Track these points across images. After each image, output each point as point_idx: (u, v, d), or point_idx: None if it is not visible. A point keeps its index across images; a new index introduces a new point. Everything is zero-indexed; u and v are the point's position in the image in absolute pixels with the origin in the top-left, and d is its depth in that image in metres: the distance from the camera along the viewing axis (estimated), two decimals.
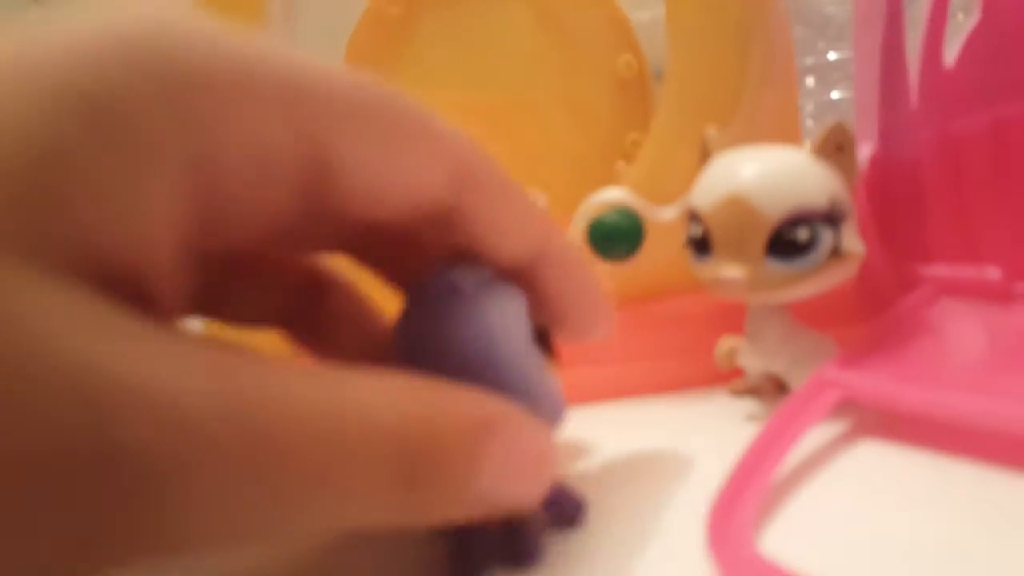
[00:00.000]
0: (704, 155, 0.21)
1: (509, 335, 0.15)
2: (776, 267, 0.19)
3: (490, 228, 0.15)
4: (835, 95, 0.38)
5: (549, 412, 0.16)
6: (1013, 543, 0.14)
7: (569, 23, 0.33)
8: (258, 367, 0.11)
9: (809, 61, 0.38)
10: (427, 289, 0.15)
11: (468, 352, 0.14)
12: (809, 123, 0.37)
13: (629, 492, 0.18)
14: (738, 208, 0.19)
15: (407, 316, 0.15)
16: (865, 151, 0.22)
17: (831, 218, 0.18)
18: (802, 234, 0.18)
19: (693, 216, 0.20)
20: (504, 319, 0.15)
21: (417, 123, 0.13)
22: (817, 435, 0.18)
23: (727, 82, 0.24)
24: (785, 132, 0.24)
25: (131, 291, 0.10)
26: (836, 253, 0.19)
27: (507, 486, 0.13)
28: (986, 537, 0.14)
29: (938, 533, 0.14)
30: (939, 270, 0.21)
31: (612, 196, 0.25)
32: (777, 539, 0.15)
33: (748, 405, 0.22)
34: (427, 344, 0.14)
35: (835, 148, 0.19)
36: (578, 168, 0.34)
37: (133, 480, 0.09)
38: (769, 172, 0.19)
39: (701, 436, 0.21)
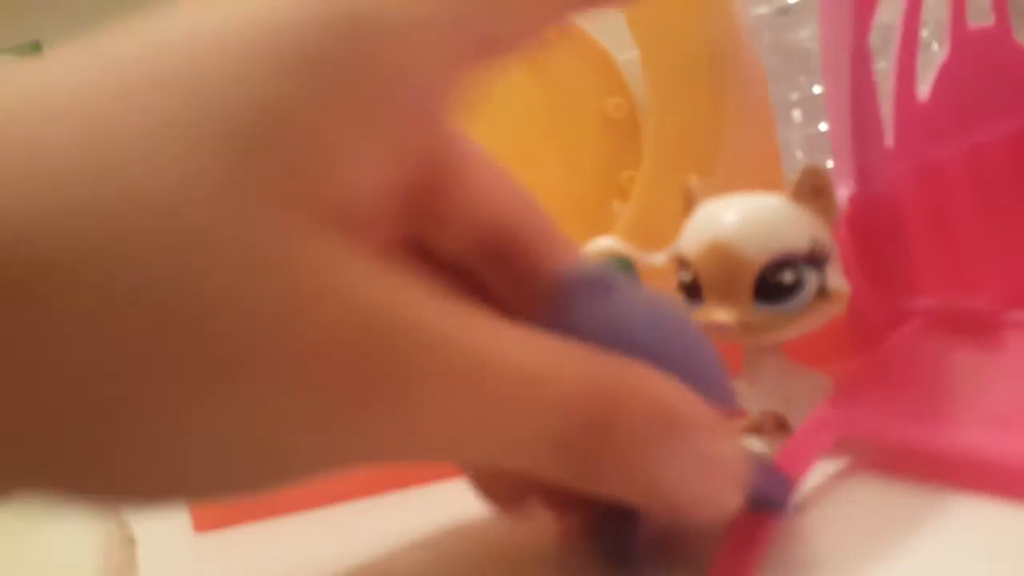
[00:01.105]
0: (688, 203, 0.22)
1: (670, 318, 0.16)
2: (765, 310, 0.19)
3: None
4: (823, 127, 0.38)
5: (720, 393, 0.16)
6: None
7: (557, 72, 0.34)
8: (474, 314, 0.13)
9: (794, 96, 0.39)
10: (574, 285, 0.16)
11: (635, 337, 0.15)
12: (799, 155, 0.38)
13: None
14: (723, 254, 0.19)
15: (556, 310, 0.15)
16: (843, 191, 0.22)
17: (814, 260, 0.19)
18: (787, 276, 0.19)
19: (682, 262, 0.21)
20: (662, 306, 0.16)
21: None
22: (816, 472, 0.19)
23: (706, 125, 0.25)
24: (767, 175, 0.25)
25: (358, 231, 0.12)
26: (823, 294, 0.19)
27: (683, 486, 0.14)
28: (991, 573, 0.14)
29: (945, 570, 0.15)
30: (927, 302, 0.21)
31: (604, 245, 0.25)
32: None
33: (752, 445, 0.23)
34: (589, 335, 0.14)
35: (812, 191, 0.19)
36: (575, 211, 0.35)
37: (402, 378, 0.11)
38: (750, 218, 0.19)
39: None
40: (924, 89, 0.25)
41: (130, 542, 0.19)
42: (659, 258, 0.25)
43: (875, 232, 0.22)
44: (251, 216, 0.10)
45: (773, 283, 0.19)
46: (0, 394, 0.10)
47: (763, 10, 0.37)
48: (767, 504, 0.16)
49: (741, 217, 0.19)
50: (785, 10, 0.37)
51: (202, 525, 0.26)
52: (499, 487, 0.18)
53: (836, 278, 0.19)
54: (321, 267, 0.11)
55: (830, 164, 0.24)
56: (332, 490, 0.25)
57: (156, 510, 0.12)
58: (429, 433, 0.12)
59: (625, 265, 0.26)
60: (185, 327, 0.10)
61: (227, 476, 0.11)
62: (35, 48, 0.49)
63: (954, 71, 0.25)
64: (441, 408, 0.12)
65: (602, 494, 0.14)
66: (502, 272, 0.17)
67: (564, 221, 0.35)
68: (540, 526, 0.19)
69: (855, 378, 0.20)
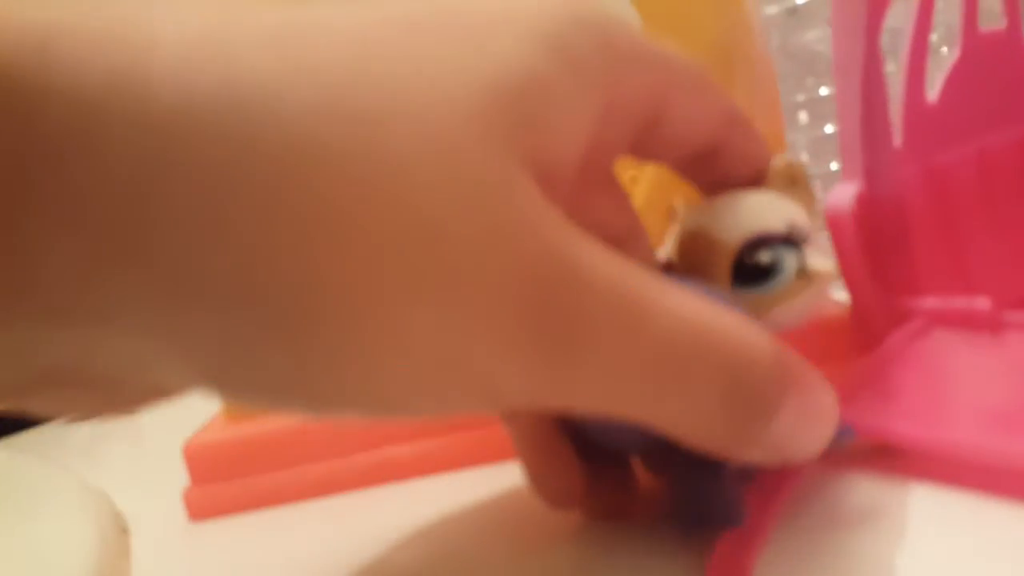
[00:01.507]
0: (672, 222, 0.21)
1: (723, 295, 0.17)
2: (746, 294, 0.19)
3: (743, 158, 0.19)
4: (828, 129, 0.38)
5: None
6: None
7: None
8: (646, 274, 0.14)
9: (800, 97, 0.39)
10: None
11: None
12: (804, 157, 0.38)
13: (630, 527, 0.18)
14: (699, 242, 0.19)
15: None
16: (851, 190, 0.22)
17: (790, 240, 0.19)
18: (764, 257, 0.18)
19: (667, 267, 0.20)
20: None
21: (708, 82, 0.17)
22: (816, 472, 0.19)
23: None
24: None
25: (550, 194, 0.13)
26: (803, 273, 0.19)
27: (795, 436, 0.15)
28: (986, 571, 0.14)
29: (944, 570, 0.14)
30: (930, 302, 0.21)
31: None
32: None
33: None
34: None
35: (787, 181, 0.19)
36: None
37: (580, 326, 0.13)
38: (725, 205, 0.19)
39: None
40: (933, 92, 0.25)
41: (124, 532, 0.19)
42: (660, 254, 0.25)
43: (881, 232, 0.22)
44: (493, 157, 0.12)
45: (751, 264, 0.18)
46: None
47: (772, 10, 0.37)
48: (836, 445, 0.17)
49: (717, 206, 0.19)
50: (793, 11, 0.37)
51: (196, 514, 0.26)
52: (554, 480, 0.19)
53: (816, 258, 0.19)
54: (531, 215, 0.12)
55: (835, 166, 0.24)
56: (327, 481, 0.25)
57: (340, 416, 0.13)
58: (597, 381, 0.13)
59: None
60: (422, 234, 0.11)
61: (409, 388, 0.12)
62: None
63: (964, 74, 0.25)
64: (613, 357, 0.13)
65: (729, 456, 0.15)
66: None
67: None
68: (543, 520, 0.19)
69: (855, 377, 0.20)
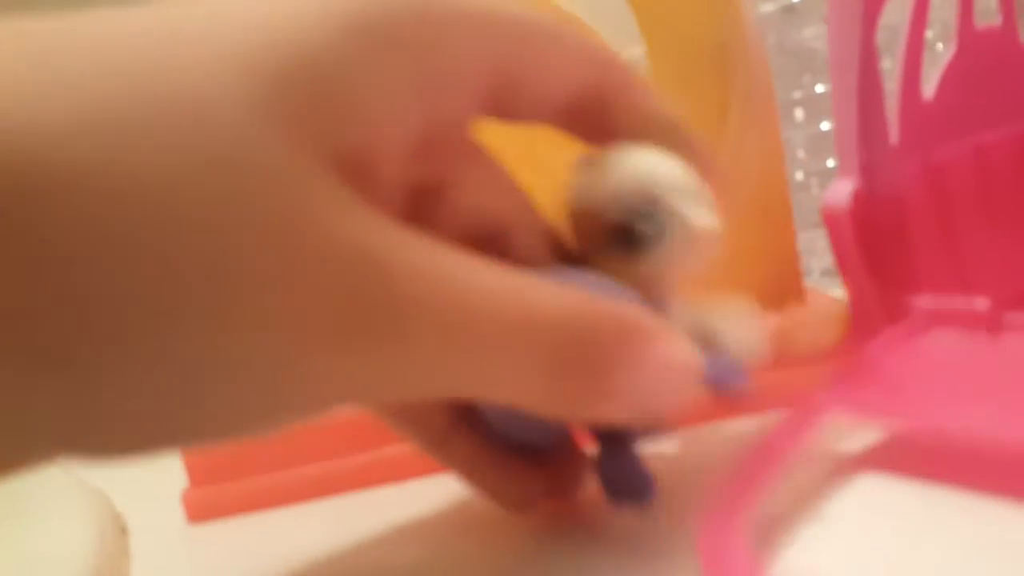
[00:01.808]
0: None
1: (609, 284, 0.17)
2: (632, 263, 0.18)
3: (628, 110, 0.18)
4: (824, 127, 0.38)
5: None
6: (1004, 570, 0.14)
7: None
8: (458, 256, 0.13)
9: (797, 95, 0.39)
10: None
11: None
12: (800, 154, 0.38)
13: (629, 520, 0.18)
14: (583, 217, 0.18)
15: None
16: (848, 187, 0.22)
17: (670, 201, 0.17)
18: (643, 223, 0.17)
19: (560, 248, 0.20)
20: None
21: (562, 32, 0.16)
22: (809, 467, 0.19)
23: (707, 121, 0.25)
24: (769, 174, 0.24)
25: (360, 182, 0.13)
26: (686, 233, 0.18)
27: (649, 388, 0.15)
28: (977, 563, 0.14)
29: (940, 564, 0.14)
30: (928, 301, 0.21)
31: None
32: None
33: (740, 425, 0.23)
34: None
35: (668, 136, 0.18)
36: None
37: (389, 314, 0.12)
38: (603, 173, 0.18)
39: (690, 460, 0.21)
40: (929, 88, 0.25)
41: (123, 532, 0.19)
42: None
43: (878, 229, 0.22)
44: (276, 150, 0.11)
45: (630, 232, 0.18)
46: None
47: (768, 8, 0.37)
48: (726, 390, 0.18)
49: (593, 175, 0.18)
50: (790, 8, 0.37)
51: (195, 516, 0.25)
52: (510, 488, 0.19)
53: (698, 214, 0.18)
54: (322, 208, 0.12)
55: (832, 163, 0.24)
56: (325, 482, 0.25)
57: (157, 456, 0.12)
58: (418, 366, 0.13)
59: None
60: (198, 242, 0.11)
61: (233, 409, 0.12)
62: None
63: (960, 70, 0.25)
64: (429, 341, 0.13)
65: (586, 419, 0.15)
66: None
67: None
68: (534, 517, 0.19)
69: (849, 366, 0.20)
